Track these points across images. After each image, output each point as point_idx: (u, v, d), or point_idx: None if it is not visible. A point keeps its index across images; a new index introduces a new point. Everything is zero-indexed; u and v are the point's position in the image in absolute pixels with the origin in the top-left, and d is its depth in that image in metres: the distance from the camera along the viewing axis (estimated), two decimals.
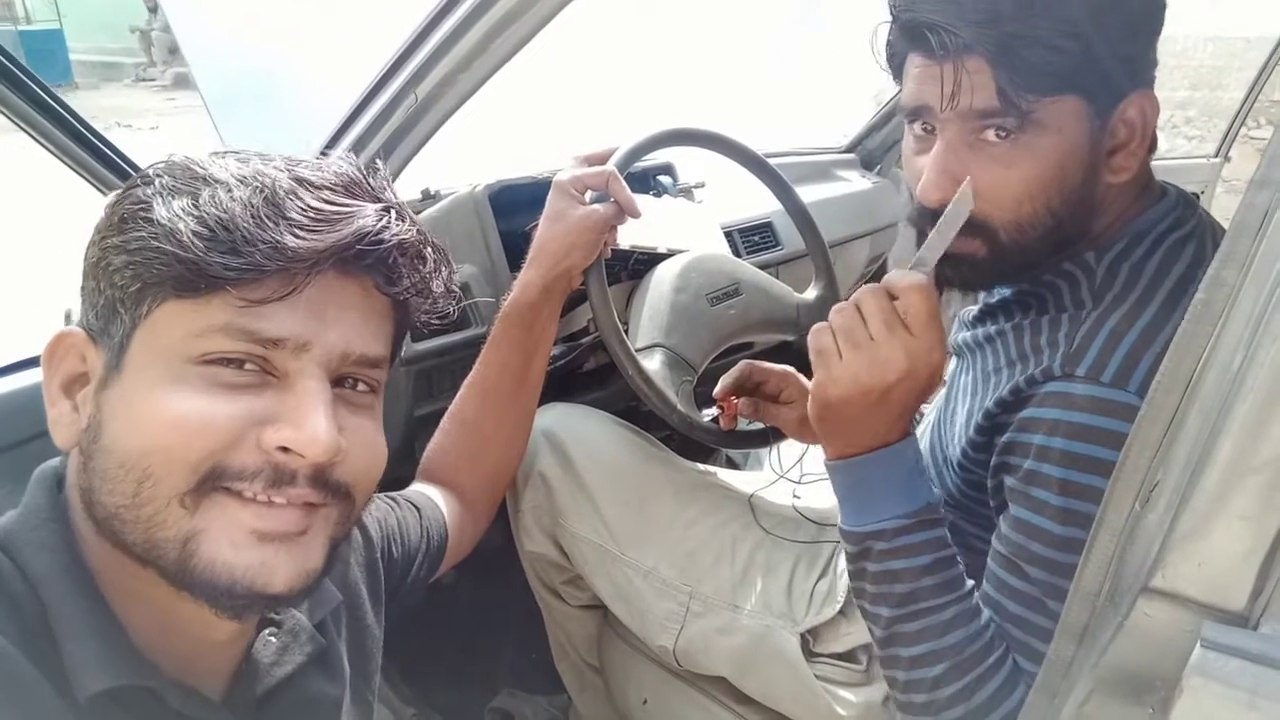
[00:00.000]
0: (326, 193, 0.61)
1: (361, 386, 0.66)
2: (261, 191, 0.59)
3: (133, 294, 0.58)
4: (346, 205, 0.61)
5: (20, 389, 1.08)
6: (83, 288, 0.62)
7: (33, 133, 1.15)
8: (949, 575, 0.87)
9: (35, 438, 1.07)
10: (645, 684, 1.29)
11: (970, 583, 0.88)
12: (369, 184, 0.65)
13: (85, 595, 0.60)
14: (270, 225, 0.58)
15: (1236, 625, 0.49)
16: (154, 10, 13.07)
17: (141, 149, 1.24)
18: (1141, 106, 0.85)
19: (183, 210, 0.58)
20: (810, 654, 1.09)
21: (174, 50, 12.56)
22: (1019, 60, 0.79)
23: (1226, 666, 0.48)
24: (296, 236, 0.58)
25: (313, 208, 0.60)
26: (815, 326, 0.88)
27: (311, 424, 0.59)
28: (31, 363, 1.12)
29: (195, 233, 0.57)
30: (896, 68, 0.90)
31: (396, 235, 0.62)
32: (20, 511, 0.62)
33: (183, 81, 12.04)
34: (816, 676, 1.07)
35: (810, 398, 0.88)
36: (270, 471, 0.59)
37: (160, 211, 0.58)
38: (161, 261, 0.57)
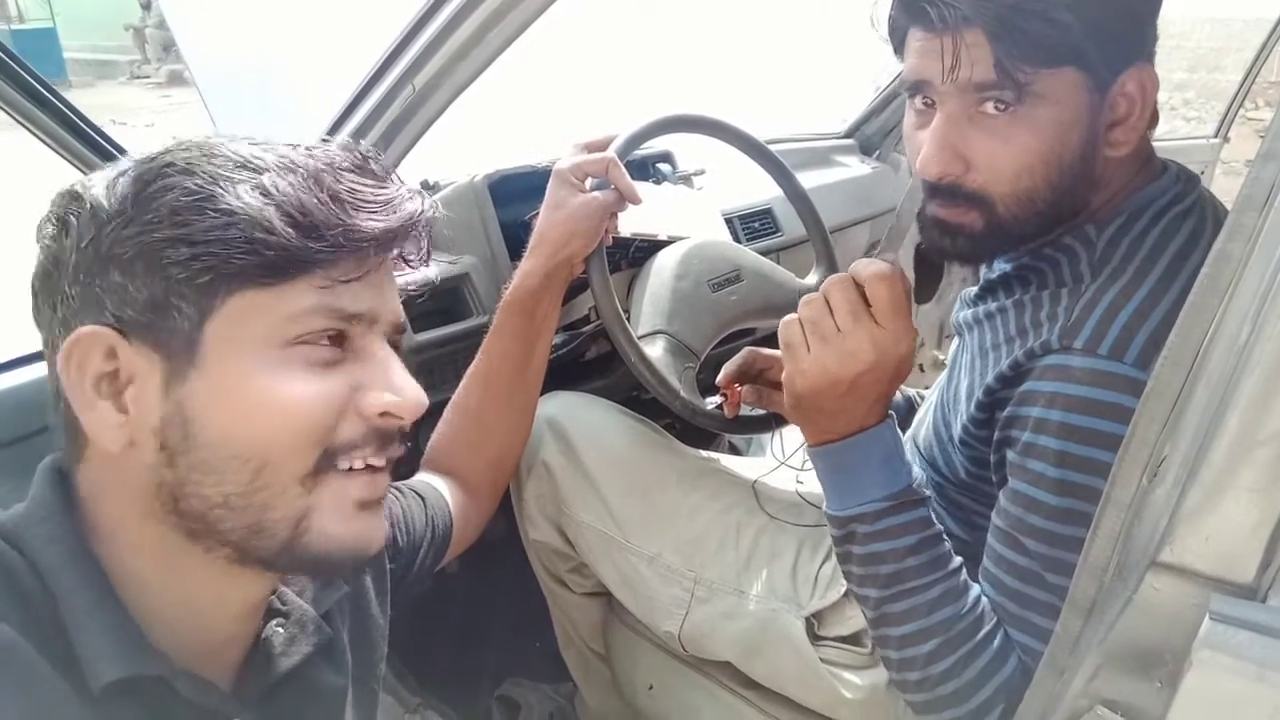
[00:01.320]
0: (356, 175, 0.63)
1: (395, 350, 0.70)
2: (310, 175, 0.61)
3: (201, 285, 0.57)
4: (387, 187, 0.64)
5: (20, 384, 1.08)
6: (95, 284, 0.59)
7: (32, 128, 1.14)
8: (933, 554, 0.88)
9: (37, 433, 1.07)
10: (651, 670, 1.30)
11: (958, 560, 0.90)
12: (375, 164, 0.67)
13: (95, 587, 0.60)
14: (337, 209, 0.60)
15: (1245, 598, 0.49)
16: (147, 7, 13.02)
17: (138, 146, 1.24)
18: (1140, 80, 0.85)
19: (261, 200, 0.58)
20: (815, 637, 1.09)
21: (168, 47, 12.53)
22: (1016, 33, 0.79)
23: (1235, 639, 0.48)
24: (369, 219, 0.61)
25: (362, 191, 0.62)
26: (785, 319, 0.89)
27: (407, 387, 0.64)
28: (32, 358, 1.12)
29: (283, 219, 0.58)
30: (898, 43, 0.91)
31: (429, 213, 0.67)
32: (26, 505, 0.62)
33: (177, 79, 12.01)
34: (822, 660, 1.07)
35: (784, 390, 0.90)
36: (376, 437, 0.63)
37: (233, 201, 0.58)
38: (245, 250, 0.57)
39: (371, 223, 0.61)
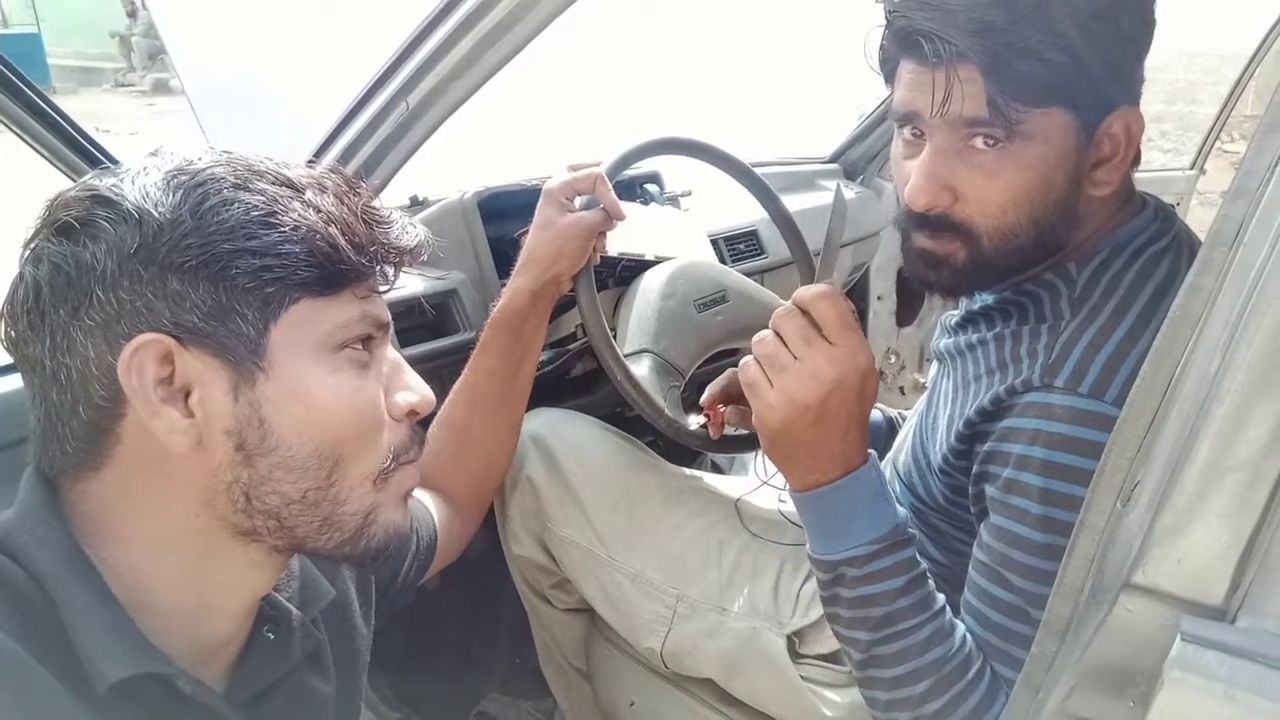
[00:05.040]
0: (360, 196, 0.68)
1: None
2: (336, 197, 0.65)
3: (266, 295, 0.61)
4: (384, 209, 0.69)
5: (10, 391, 1.08)
6: (147, 291, 0.59)
7: (23, 134, 1.14)
8: (923, 594, 0.87)
9: (24, 441, 1.06)
10: (632, 686, 1.30)
11: (941, 598, 0.89)
12: (361, 186, 0.70)
13: (94, 589, 0.60)
14: (369, 229, 0.66)
15: (1215, 619, 0.51)
16: (134, 15, 12.96)
17: (121, 154, 1.24)
18: (1127, 122, 0.86)
19: (323, 219, 0.63)
20: (796, 655, 1.10)
21: (154, 56, 12.48)
22: (1010, 71, 0.80)
23: (1205, 659, 0.49)
24: (397, 236, 0.68)
25: (375, 211, 0.67)
26: (743, 361, 0.89)
27: (421, 385, 0.71)
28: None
29: (343, 236, 0.63)
30: (889, 72, 0.92)
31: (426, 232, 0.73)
32: (16, 511, 0.63)
33: (162, 87, 11.97)
34: (802, 678, 1.08)
35: (759, 433, 0.90)
36: (417, 436, 0.71)
37: (295, 220, 0.62)
38: (310, 263, 0.62)
39: (402, 240, 0.68)
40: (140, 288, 0.59)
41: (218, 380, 0.61)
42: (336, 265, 0.63)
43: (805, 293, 0.87)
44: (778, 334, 0.87)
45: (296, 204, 0.62)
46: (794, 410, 0.85)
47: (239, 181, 0.62)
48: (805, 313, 0.87)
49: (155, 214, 0.59)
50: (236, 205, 0.61)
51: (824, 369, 0.84)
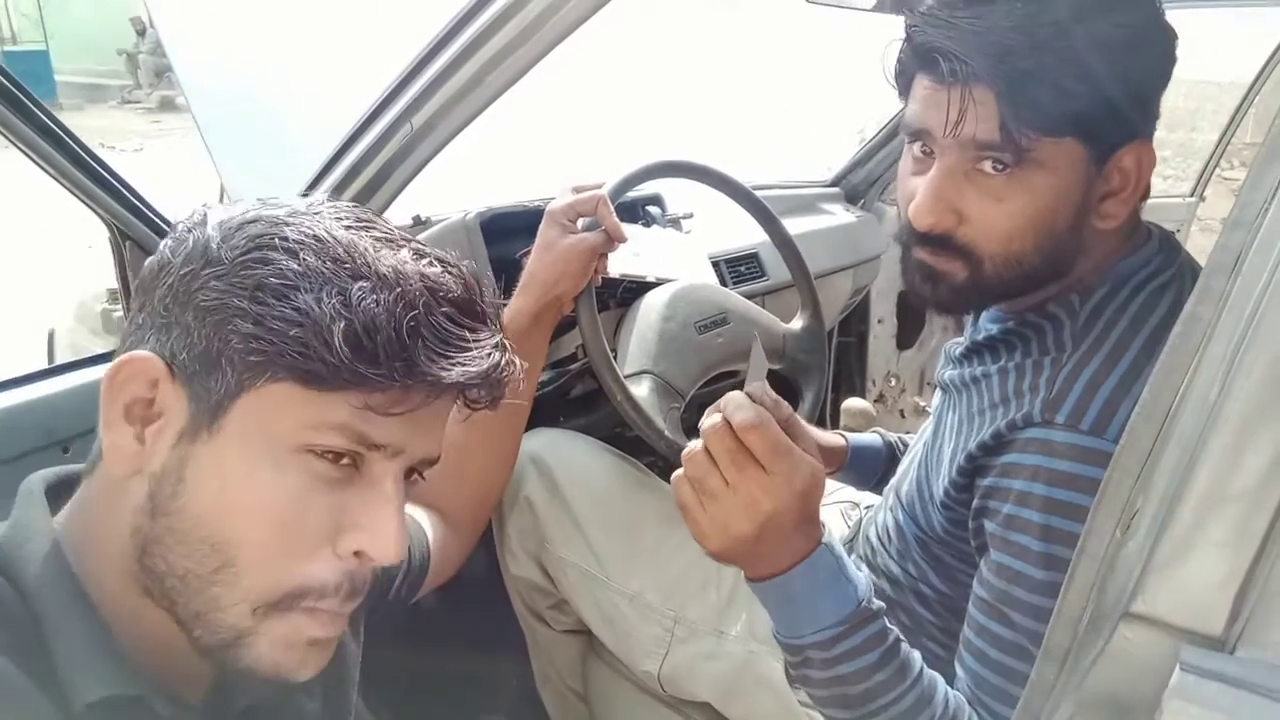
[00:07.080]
0: (452, 310, 0.61)
1: (416, 478, 0.67)
2: (403, 298, 0.59)
3: (251, 363, 0.58)
4: (473, 335, 0.62)
5: (10, 406, 1.09)
6: (174, 313, 0.59)
7: (33, 155, 1.15)
8: (899, 663, 0.83)
9: (24, 455, 1.07)
10: (629, 710, 1.29)
11: (918, 657, 0.85)
12: (482, 301, 0.65)
13: (78, 608, 0.60)
14: (409, 342, 0.58)
15: (1214, 649, 0.50)
16: (141, 33, 13.07)
17: (126, 171, 1.25)
18: (1138, 156, 0.86)
19: (335, 310, 0.57)
20: (794, 680, 1.09)
21: (160, 73, 12.57)
22: (1026, 97, 0.80)
23: (1204, 689, 0.49)
24: (433, 361, 0.59)
25: (446, 331, 0.60)
26: (674, 477, 0.83)
27: (389, 532, 0.61)
28: (23, 380, 1.12)
29: (345, 336, 0.57)
30: (904, 86, 0.91)
31: (507, 372, 0.64)
32: (10, 526, 0.63)
33: (168, 104, 12.05)
34: (800, 703, 1.08)
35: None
36: (348, 584, 0.62)
37: (308, 302, 0.57)
38: (300, 350, 0.57)
39: (432, 365, 0.59)
40: (173, 306, 0.60)
41: (177, 423, 0.60)
42: (326, 364, 0.57)
43: (734, 414, 0.78)
44: (709, 454, 0.79)
45: (328, 289, 0.58)
46: (729, 540, 0.80)
47: (293, 245, 0.59)
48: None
49: (214, 248, 0.60)
50: (269, 267, 0.58)
51: (759, 500, 0.78)
